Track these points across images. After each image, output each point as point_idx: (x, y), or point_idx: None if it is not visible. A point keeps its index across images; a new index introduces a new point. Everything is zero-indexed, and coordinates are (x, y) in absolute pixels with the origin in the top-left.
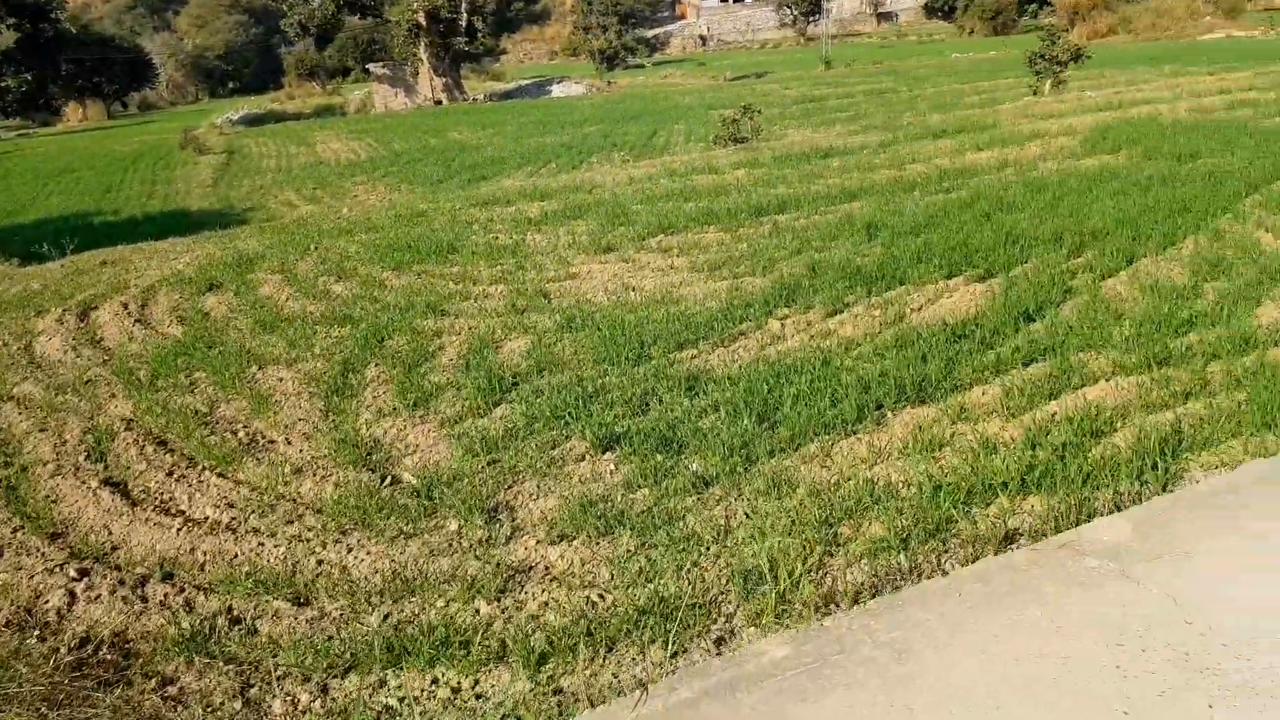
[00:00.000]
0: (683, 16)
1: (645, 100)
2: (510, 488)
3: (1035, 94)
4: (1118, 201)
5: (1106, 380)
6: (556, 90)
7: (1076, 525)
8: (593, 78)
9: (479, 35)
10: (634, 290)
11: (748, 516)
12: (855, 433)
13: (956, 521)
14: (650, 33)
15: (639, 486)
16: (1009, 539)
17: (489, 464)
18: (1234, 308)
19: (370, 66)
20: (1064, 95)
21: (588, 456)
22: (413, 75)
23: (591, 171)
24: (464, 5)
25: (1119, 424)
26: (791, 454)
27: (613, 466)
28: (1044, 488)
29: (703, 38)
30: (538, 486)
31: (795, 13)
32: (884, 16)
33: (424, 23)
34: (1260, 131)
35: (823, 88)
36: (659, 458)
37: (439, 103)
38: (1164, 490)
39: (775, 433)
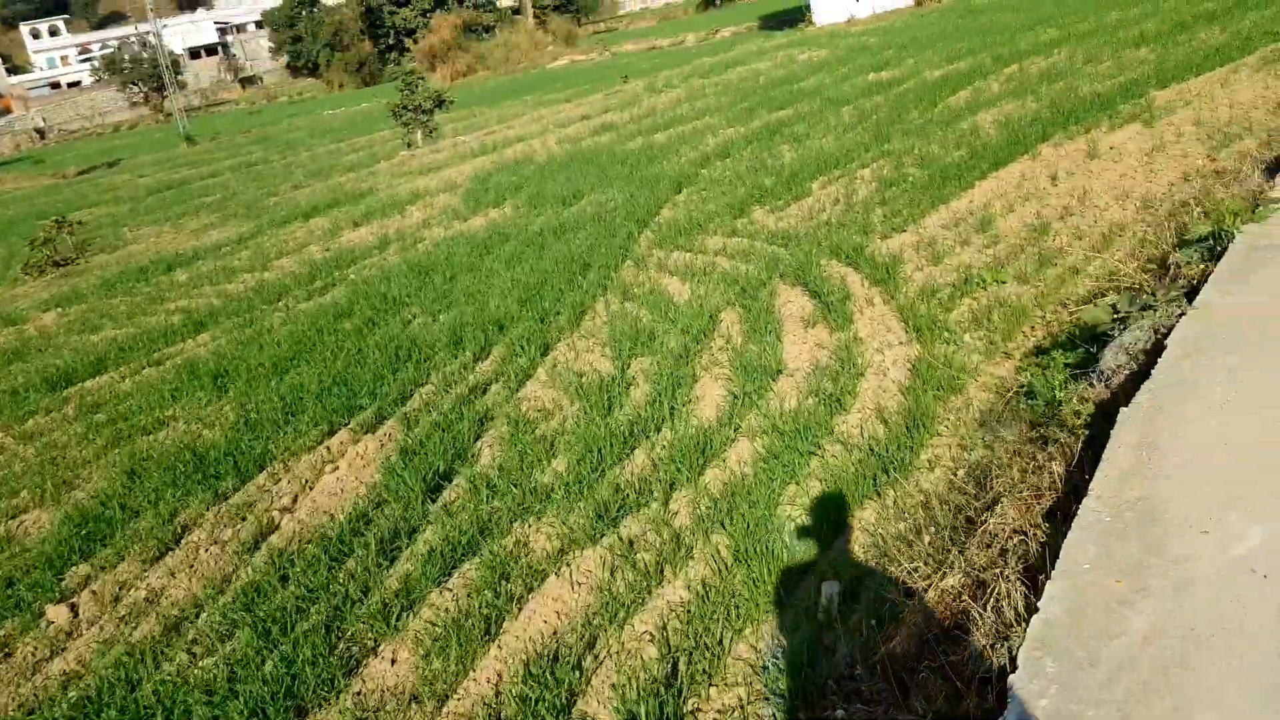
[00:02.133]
0: (8, 110)
1: None
2: None
3: (410, 147)
4: (515, 271)
5: (555, 574)
6: None
7: None
8: None
9: None
10: None
11: None
12: None
13: None
14: None
15: None
16: None
17: None
18: (671, 397)
19: None
20: (439, 144)
21: None
22: None
23: None
24: None
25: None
26: None
27: None
28: None
29: (40, 131)
30: None
31: (144, 89)
32: (247, 81)
33: None
34: (626, 157)
35: (184, 169)
36: None
37: None
38: None
39: None
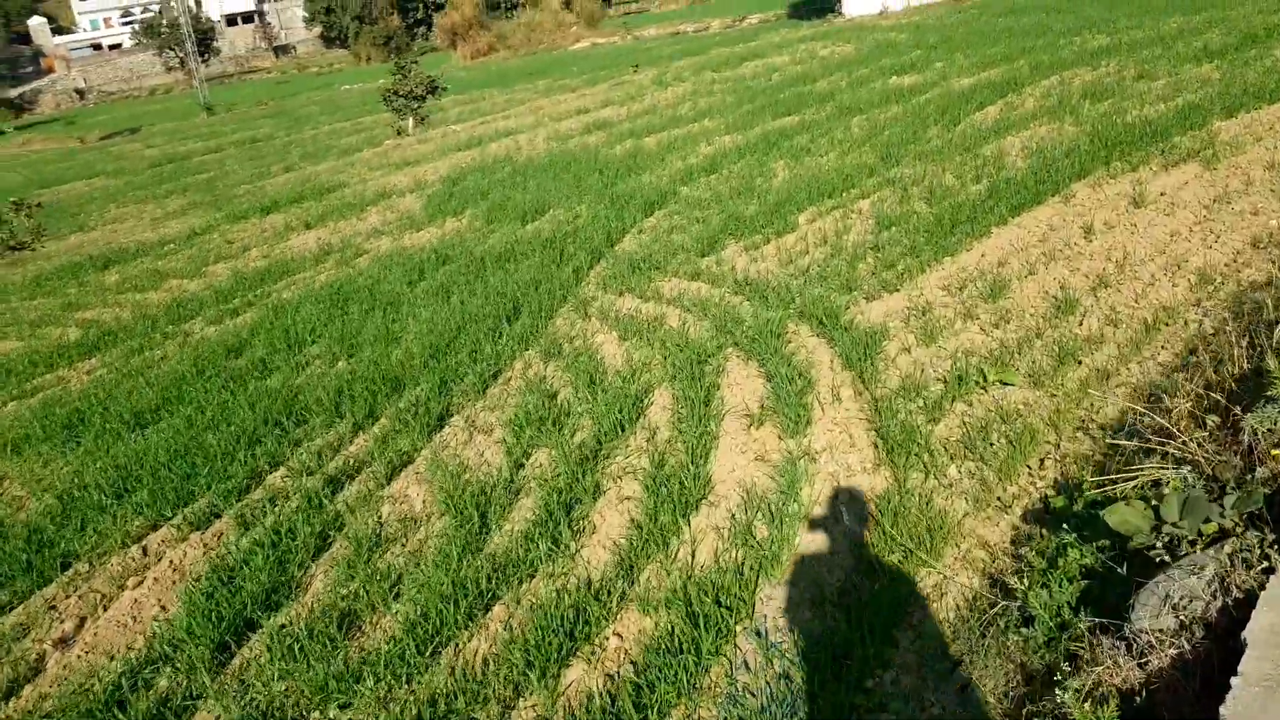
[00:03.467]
0: (50, 70)
1: None
2: None
3: (399, 134)
4: (439, 310)
5: None
6: None
7: None
8: None
9: None
10: None
11: None
12: None
13: None
14: (13, 92)
15: None
16: None
17: None
18: (560, 523)
19: None
20: (429, 133)
21: None
22: None
23: None
24: None
25: None
26: None
27: None
28: None
29: (80, 91)
30: None
31: (179, 54)
32: (282, 50)
33: None
34: (608, 163)
35: (193, 141)
36: None
37: None
38: None
39: None
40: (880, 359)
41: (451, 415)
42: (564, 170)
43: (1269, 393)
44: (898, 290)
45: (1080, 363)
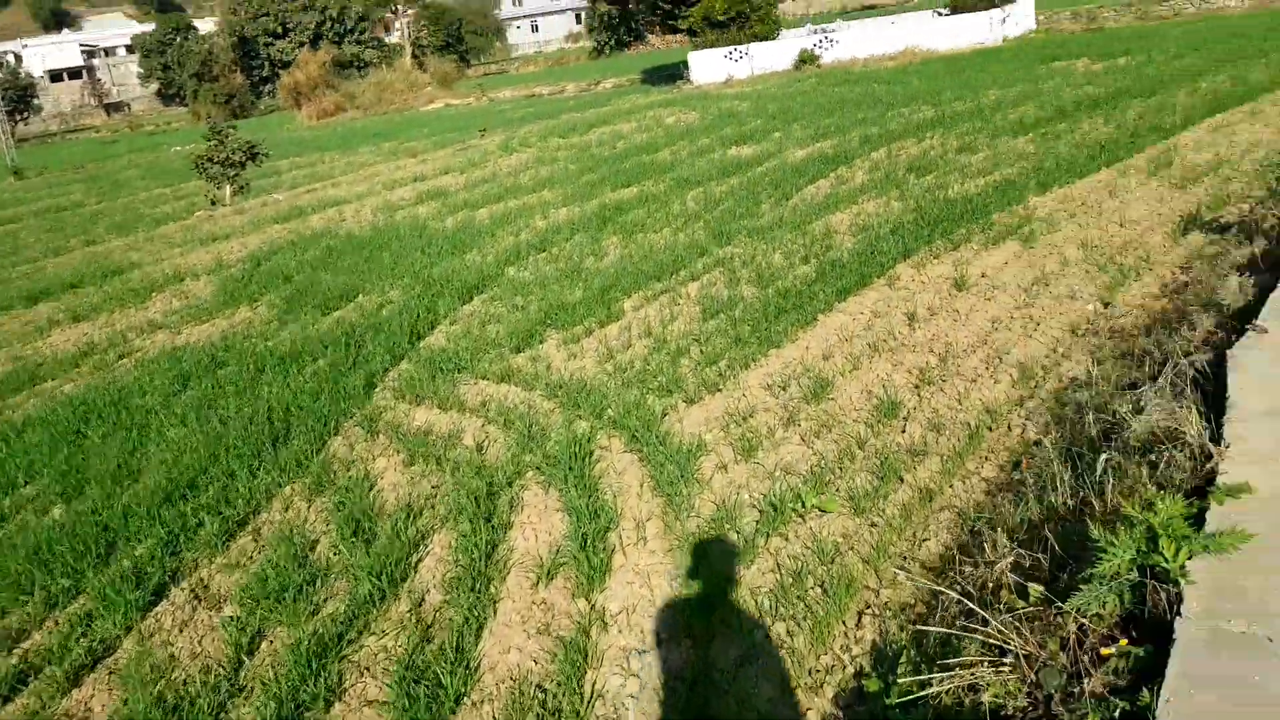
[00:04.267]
0: None
1: None
2: None
3: (214, 205)
4: (190, 433)
5: None
6: None
7: None
8: None
9: None
10: None
11: None
12: None
13: None
14: None
15: None
16: None
17: None
18: None
19: None
20: (247, 203)
21: None
22: None
23: None
24: None
25: None
26: None
27: None
28: None
29: None
30: None
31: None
32: (115, 107)
33: None
34: (434, 239)
35: None
36: None
37: None
38: None
39: None
40: (695, 480)
41: (180, 580)
42: (385, 247)
43: (1095, 569)
44: (720, 390)
45: (902, 480)
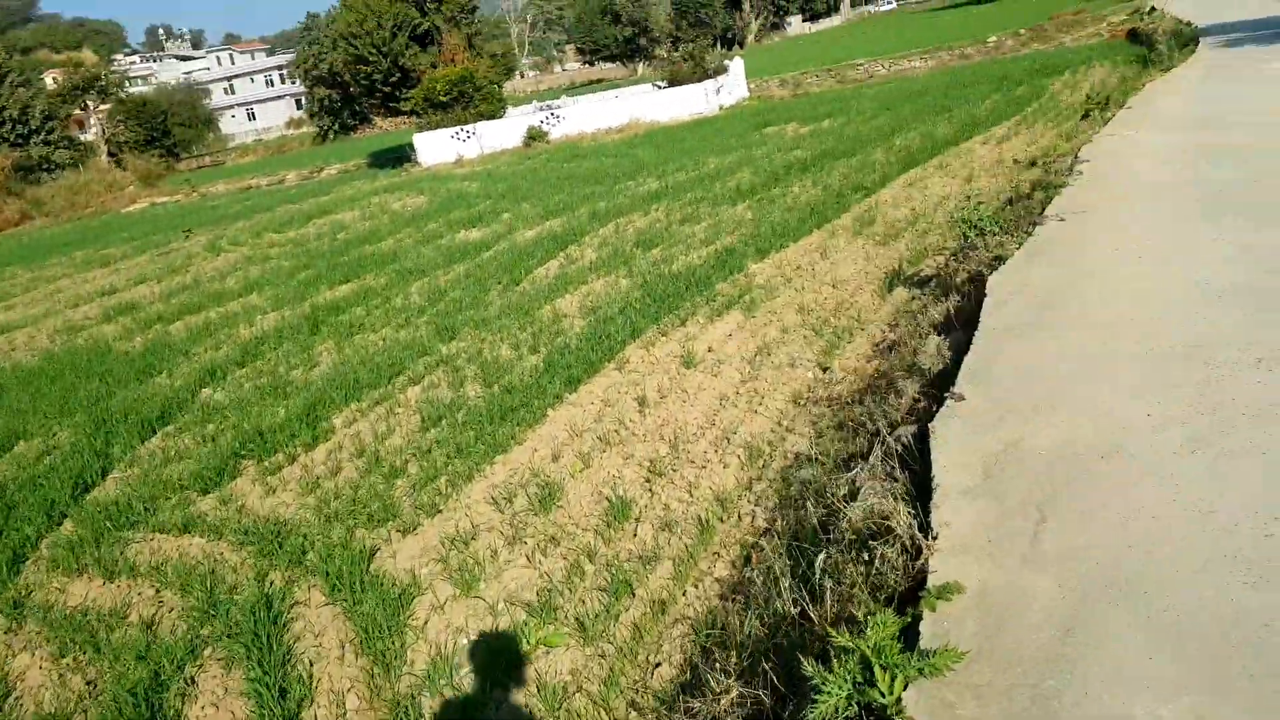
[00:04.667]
0: None
1: None
2: None
3: None
4: None
5: None
6: None
7: None
8: None
9: None
10: None
11: None
12: None
13: None
14: None
15: None
16: None
17: None
18: None
19: None
20: None
21: None
22: None
23: None
24: None
25: None
26: None
27: None
28: None
29: None
30: None
31: None
32: None
33: None
34: (119, 361)
35: None
36: None
37: None
38: None
39: None
40: (408, 628)
41: None
42: (57, 378)
43: (812, 713)
44: (440, 511)
45: (634, 593)
